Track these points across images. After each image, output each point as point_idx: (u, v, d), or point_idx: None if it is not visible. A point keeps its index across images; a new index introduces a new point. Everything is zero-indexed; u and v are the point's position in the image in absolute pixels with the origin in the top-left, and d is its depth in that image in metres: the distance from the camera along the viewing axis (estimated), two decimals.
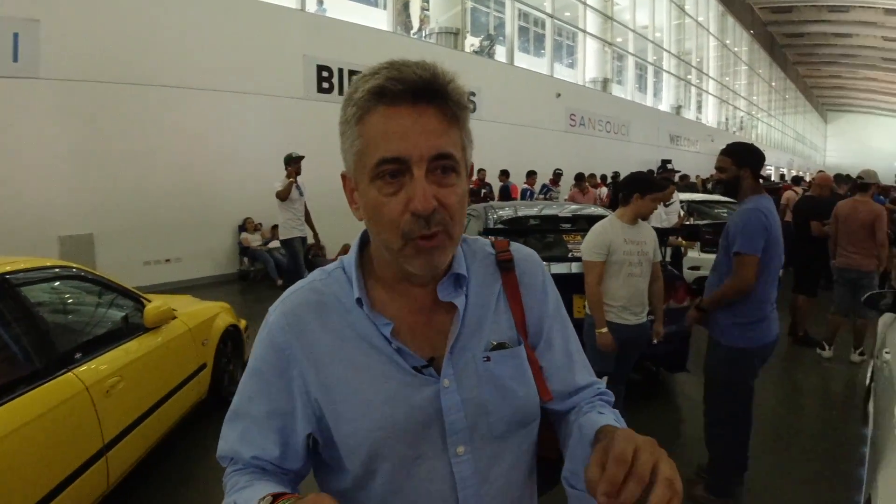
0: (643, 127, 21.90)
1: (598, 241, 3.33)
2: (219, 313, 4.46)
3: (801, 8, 33.99)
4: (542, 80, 17.18)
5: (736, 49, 33.68)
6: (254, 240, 9.31)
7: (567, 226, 5.42)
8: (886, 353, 3.28)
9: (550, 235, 5.40)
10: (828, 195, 6.93)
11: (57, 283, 3.22)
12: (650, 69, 24.91)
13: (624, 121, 20.45)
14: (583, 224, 5.05)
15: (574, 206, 6.55)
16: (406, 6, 13.47)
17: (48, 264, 3.12)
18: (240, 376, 4.43)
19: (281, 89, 9.79)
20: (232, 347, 4.58)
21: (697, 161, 25.36)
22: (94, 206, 7.88)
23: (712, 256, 3.38)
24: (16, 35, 7.20)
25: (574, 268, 4.32)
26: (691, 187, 12.58)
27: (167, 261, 8.61)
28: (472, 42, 15.37)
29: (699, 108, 30.48)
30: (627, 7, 22.41)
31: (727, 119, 33.50)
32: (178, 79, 8.49)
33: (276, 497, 0.78)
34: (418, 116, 0.80)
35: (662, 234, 6.36)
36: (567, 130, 17.75)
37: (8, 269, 2.69)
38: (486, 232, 4.54)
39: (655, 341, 3.63)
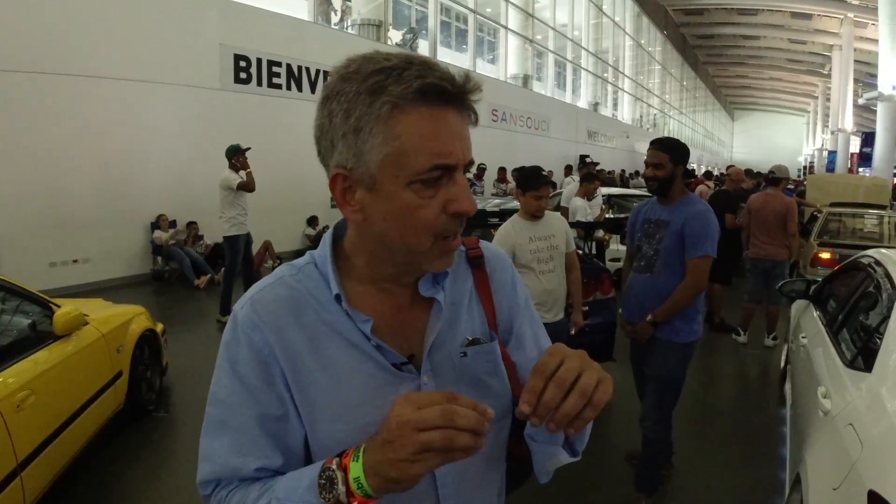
0: (562, 123, 22.45)
1: (501, 246, 3.25)
2: (134, 317, 4.24)
3: (712, 10, 35.89)
4: None
5: (650, 49, 35.15)
6: (168, 238, 8.83)
7: (495, 220, 5.48)
8: (803, 337, 3.52)
9: (477, 230, 5.45)
10: (738, 189, 7.41)
11: None
12: (569, 67, 25.59)
13: (544, 116, 20.90)
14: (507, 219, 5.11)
15: (498, 201, 6.65)
16: None
17: None
18: (159, 383, 4.26)
19: (196, 79, 9.34)
20: (149, 353, 4.37)
21: (614, 156, 26.41)
22: None
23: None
24: None
25: None
26: (611, 182, 13.07)
27: (75, 261, 8.05)
28: (394, 35, 15.26)
29: (615, 105, 31.64)
30: (548, 5, 22.89)
31: (641, 116, 34.95)
32: (84, 68, 7.90)
33: (340, 455, 0.75)
34: (459, 120, 0.80)
35: (587, 227, 6.62)
36: (489, 126, 17.95)
37: None
38: None
39: (573, 332, 3.65)
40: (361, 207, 0.82)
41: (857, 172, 24.01)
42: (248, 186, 6.58)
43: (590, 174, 7.98)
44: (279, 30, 10.65)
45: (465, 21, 18.69)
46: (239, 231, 6.68)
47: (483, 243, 1.04)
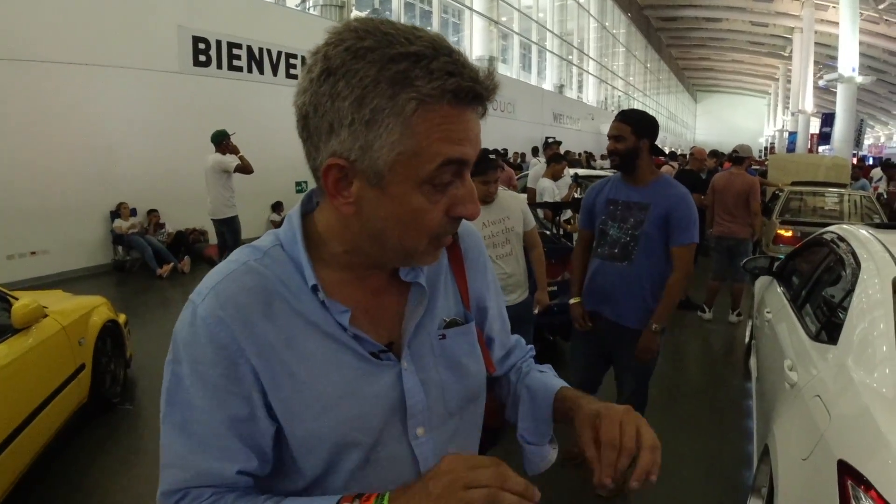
0: (528, 105, 22.46)
1: None
2: (95, 308, 4.11)
3: None
4: None
5: (615, 31, 35.30)
6: (128, 226, 8.56)
7: None
8: (768, 312, 3.58)
9: None
10: (701, 168, 7.52)
11: None
12: (534, 48, 25.57)
13: (510, 99, 20.87)
14: None
15: None
16: None
17: None
18: (123, 376, 4.14)
19: (153, 63, 9.02)
20: (112, 345, 4.25)
21: (580, 138, 26.56)
22: None
23: None
24: None
25: None
26: (577, 164, 13.13)
27: (33, 253, 7.76)
28: (357, 16, 15.02)
29: (580, 87, 31.77)
30: None
31: (606, 98, 35.18)
32: (34, 52, 7.54)
33: (358, 496, 0.74)
34: (476, 120, 0.75)
35: (554, 208, 6.63)
36: None
37: None
38: None
39: (536, 311, 3.61)
40: (356, 201, 0.75)
41: (817, 152, 24.64)
42: (246, 170, 6.76)
43: (556, 154, 7.98)
44: (239, 11, 10.35)
45: (430, 2, 18.48)
46: (234, 212, 6.98)
47: None
